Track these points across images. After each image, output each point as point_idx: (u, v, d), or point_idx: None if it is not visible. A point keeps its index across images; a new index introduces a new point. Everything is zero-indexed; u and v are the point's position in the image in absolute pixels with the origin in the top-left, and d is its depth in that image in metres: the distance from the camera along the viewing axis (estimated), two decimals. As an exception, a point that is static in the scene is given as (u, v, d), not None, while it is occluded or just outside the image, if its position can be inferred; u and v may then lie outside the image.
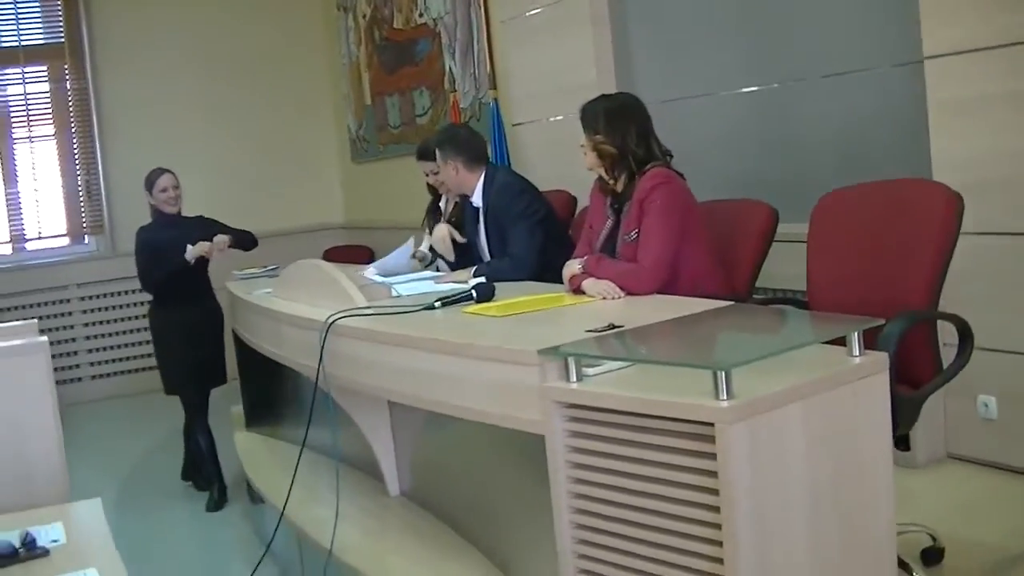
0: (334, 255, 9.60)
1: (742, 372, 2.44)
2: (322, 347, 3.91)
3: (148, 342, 6.06)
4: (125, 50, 9.71)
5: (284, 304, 4.72)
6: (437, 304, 3.90)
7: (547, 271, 4.61)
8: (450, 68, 7.84)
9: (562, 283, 4.27)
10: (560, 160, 6.04)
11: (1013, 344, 4.12)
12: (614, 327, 3.12)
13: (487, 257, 5.07)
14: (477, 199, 5.12)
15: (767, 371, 2.53)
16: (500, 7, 7.07)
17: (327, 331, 3.89)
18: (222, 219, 6.61)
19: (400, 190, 9.00)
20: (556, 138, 6.36)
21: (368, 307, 4.01)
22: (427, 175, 5.86)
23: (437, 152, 5.24)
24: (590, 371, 2.82)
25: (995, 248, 4.15)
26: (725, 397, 2.40)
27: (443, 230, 5.36)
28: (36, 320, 4.81)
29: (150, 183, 6.39)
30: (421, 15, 8.31)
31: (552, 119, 6.45)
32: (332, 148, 10.56)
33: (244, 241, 6.59)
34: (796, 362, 2.66)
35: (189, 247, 6.21)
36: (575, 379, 2.80)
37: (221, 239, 6.31)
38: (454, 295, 3.98)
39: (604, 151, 4.03)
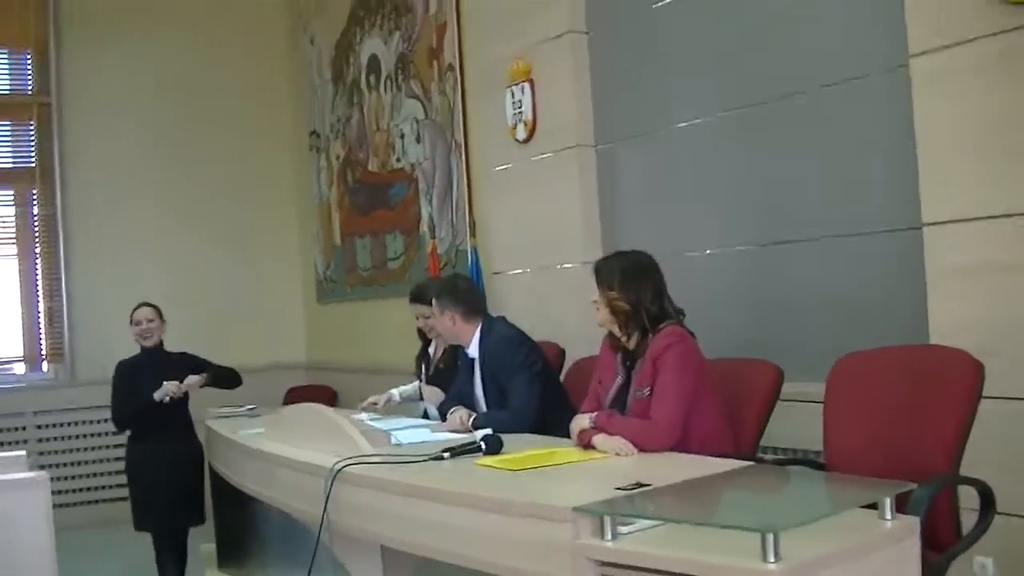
0: (296, 395, 9.53)
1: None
2: (328, 494, 3.86)
3: (108, 473, 5.97)
4: (96, 180, 9.73)
5: (279, 447, 4.66)
6: (445, 455, 3.88)
7: (546, 424, 4.61)
8: (428, 214, 7.88)
9: (561, 436, 4.27)
10: (543, 311, 6.07)
11: (1010, 506, 4.13)
12: (641, 485, 3.11)
13: (482, 407, 5.04)
14: (473, 350, 5.12)
15: (801, 533, 2.52)
16: (482, 156, 7.14)
17: (334, 478, 3.84)
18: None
19: (367, 332, 9.00)
20: (539, 289, 6.39)
21: (375, 455, 3.97)
22: (418, 318, 5.86)
23: (435, 302, 5.25)
24: (623, 529, 2.81)
25: (992, 412, 4.19)
26: (774, 560, 2.40)
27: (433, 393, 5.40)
28: (23, 453, 4.75)
29: (130, 315, 6.40)
30: (398, 159, 8.38)
31: (534, 269, 6.47)
32: (297, 287, 10.54)
33: (225, 380, 6.57)
34: (827, 524, 2.66)
35: (165, 384, 6.17)
36: (610, 537, 2.77)
37: (191, 381, 6.31)
38: (462, 446, 3.96)
39: (618, 308, 4.06)
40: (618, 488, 3.08)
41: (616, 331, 4.14)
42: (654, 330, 4.01)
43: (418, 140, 8.06)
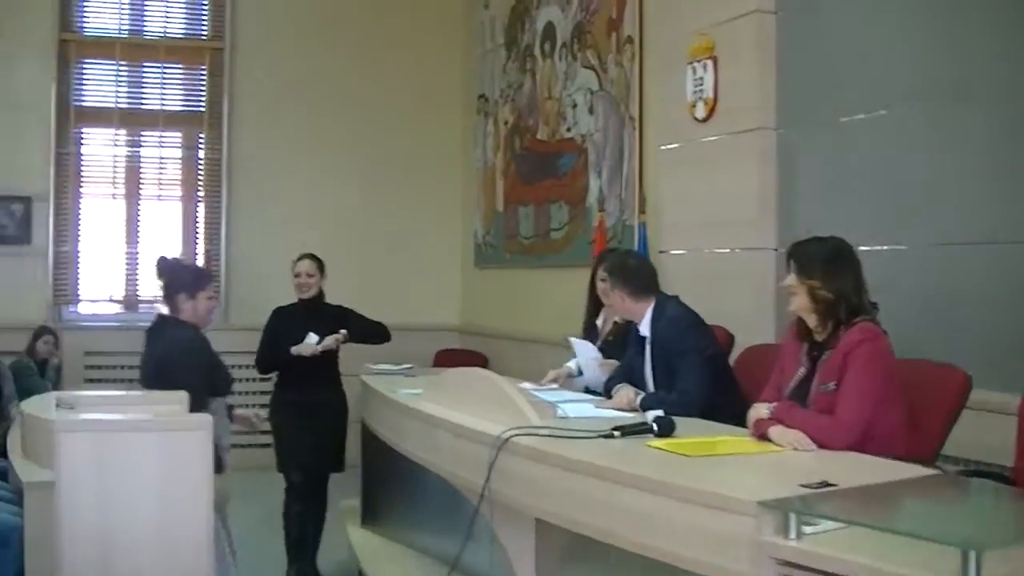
0: (446, 358, 9.54)
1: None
2: (492, 463, 3.79)
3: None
4: (263, 128, 9.90)
5: (441, 410, 4.60)
6: (616, 433, 3.79)
7: (714, 410, 4.48)
8: (596, 187, 7.78)
9: (729, 423, 4.18)
10: (710, 294, 5.90)
11: None
12: (827, 484, 2.98)
13: (649, 387, 4.93)
14: (645, 328, 4.99)
15: (996, 554, 2.37)
16: (656, 131, 7.01)
17: (501, 447, 3.77)
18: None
19: (523, 301, 8.94)
20: (706, 271, 6.24)
21: (544, 427, 3.89)
22: (602, 280, 5.50)
23: (607, 276, 5.14)
24: (807, 529, 2.69)
25: None
26: (975, 579, 2.27)
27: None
28: (185, 392, 4.76)
29: (292, 265, 6.41)
30: (569, 129, 8.29)
31: (704, 251, 6.33)
32: (456, 250, 10.58)
33: (372, 335, 6.56)
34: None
35: (310, 337, 6.19)
36: (795, 536, 2.66)
37: (328, 341, 6.34)
38: (633, 425, 3.86)
39: (820, 296, 3.89)
40: (803, 485, 2.96)
41: (812, 321, 3.96)
42: (848, 323, 3.85)
43: (590, 111, 7.96)
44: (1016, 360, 4.36)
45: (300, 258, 6.55)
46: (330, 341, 6.35)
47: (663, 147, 6.74)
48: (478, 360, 9.33)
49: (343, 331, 6.42)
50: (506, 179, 9.46)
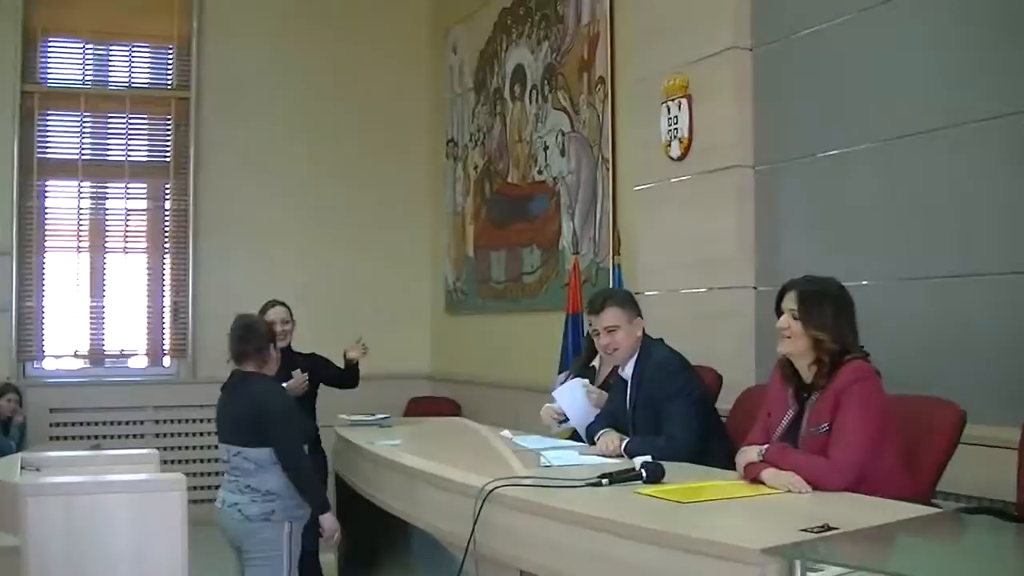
0: (418, 406, 9.42)
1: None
2: (477, 515, 3.67)
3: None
4: (230, 177, 9.81)
5: (421, 462, 4.48)
6: (604, 481, 3.68)
7: (702, 454, 4.39)
8: (569, 229, 7.69)
9: (716, 467, 4.11)
10: (688, 334, 5.77)
11: None
12: (829, 528, 2.87)
13: (629, 431, 4.80)
14: (628, 370, 4.89)
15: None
16: (630, 172, 6.93)
17: (485, 499, 3.65)
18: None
19: (496, 346, 8.84)
20: (684, 311, 6.15)
21: (529, 476, 3.78)
22: (601, 332, 5.13)
23: (620, 310, 4.94)
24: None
25: None
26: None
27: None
28: (157, 451, 4.65)
29: (262, 313, 6.25)
30: (540, 172, 8.21)
31: (681, 291, 6.23)
32: (426, 296, 10.44)
33: (346, 379, 6.44)
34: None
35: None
36: (800, 584, 2.56)
37: (292, 385, 6.13)
38: (620, 472, 3.76)
39: (825, 347, 3.79)
40: (803, 530, 2.85)
41: (804, 364, 3.86)
42: (839, 363, 3.75)
43: (562, 153, 7.88)
44: (1008, 392, 4.26)
45: (272, 305, 6.39)
46: (292, 386, 6.10)
47: (637, 187, 6.65)
48: (451, 407, 9.21)
49: (302, 373, 6.23)
50: (477, 223, 9.35)
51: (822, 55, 5.54)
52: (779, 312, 3.92)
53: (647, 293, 6.38)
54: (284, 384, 6.04)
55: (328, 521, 5.07)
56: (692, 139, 6.16)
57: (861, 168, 5.29)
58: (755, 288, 5.83)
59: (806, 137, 5.62)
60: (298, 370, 6.23)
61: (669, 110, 6.30)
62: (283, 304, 6.42)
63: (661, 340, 4.96)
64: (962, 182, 4.76)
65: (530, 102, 8.42)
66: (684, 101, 6.20)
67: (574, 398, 5.33)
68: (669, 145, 6.29)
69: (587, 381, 5.42)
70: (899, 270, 5.05)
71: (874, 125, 5.22)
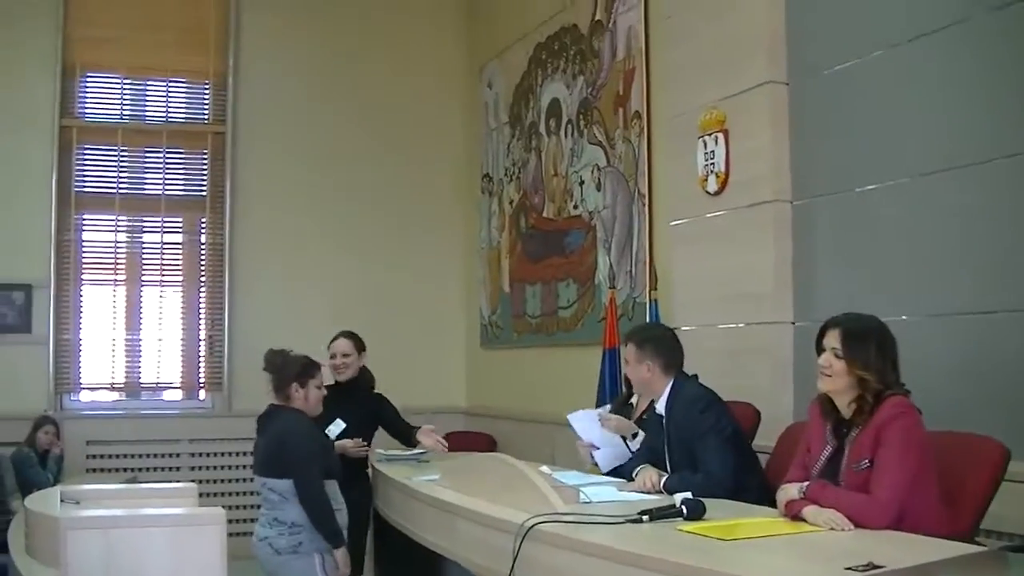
0: (453, 441, 9.34)
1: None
2: (516, 552, 3.66)
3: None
4: (266, 211, 9.87)
5: (460, 497, 4.47)
6: (644, 518, 3.66)
7: (739, 490, 4.37)
8: (605, 263, 7.68)
9: (755, 503, 4.12)
10: (725, 370, 5.78)
11: None
12: (875, 567, 2.84)
13: (667, 467, 4.79)
14: (661, 406, 4.90)
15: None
16: (666, 206, 6.92)
17: (525, 535, 3.64)
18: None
19: (531, 381, 8.82)
20: (721, 346, 6.12)
21: (569, 513, 3.76)
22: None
23: (634, 347, 5.00)
24: (857, 619, 2.57)
25: None
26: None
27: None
28: (194, 484, 4.65)
29: (328, 345, 6.26)
30: (576, 206, 8.21)
31: (719, 326, 6.21)
32: (460, 331, 10.45)
33: (400, 435, 6.40)
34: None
35: (336, 424, 6.00)
36: (848, 624, 2.53)
37: (349, 445, 6.08)
38: (661, 509, 3.74)
39: (870, 387, 3.77)
40: (848, 568, 2.83)
41: (845, 401, 3.84)
42: (879, 399, 3.73)
43: (598, 188, 7.88)
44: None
45: (336, 337, 6.38)
46: (348, 445, 6.05)
47: (674, 222, 6.64)
48: (486, 442, 9.20)
49: (363, 443, 6.18)
50: (512, 258, 9.36)
51: (857, 90, 5.52)
52: (820, 350, 3.91)
53: (684, 328, 6.35)
54: (337, 423, 6.01)
55: (341, 556, 5.10)
56: (729, 173, 6.15)
57: (898, 203, 5.26)
58: (793, 323, 5.80)
59: (843, 171, 5.59)
60: (359, 439, 6.17)
61: (706, 145, 6.30)
62: (349, 335, 6.40)
63: (695, 377, 4.96)
64: (1000, 217, 4.72)
65: (566, 136, 8.42)
66: (720, 136, 6.19)
67: (586, 422, 5.39)
68: (706, 180, 6.28)
69: (605, 408, 5.43)
70: (936, 305, 5.00)
71: (910, 160, 5.18)
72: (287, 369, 5.37)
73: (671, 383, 4.90)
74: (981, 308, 4.77)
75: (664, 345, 4.99)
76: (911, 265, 5.17)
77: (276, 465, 5.05)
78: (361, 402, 6.27)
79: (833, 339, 3.85)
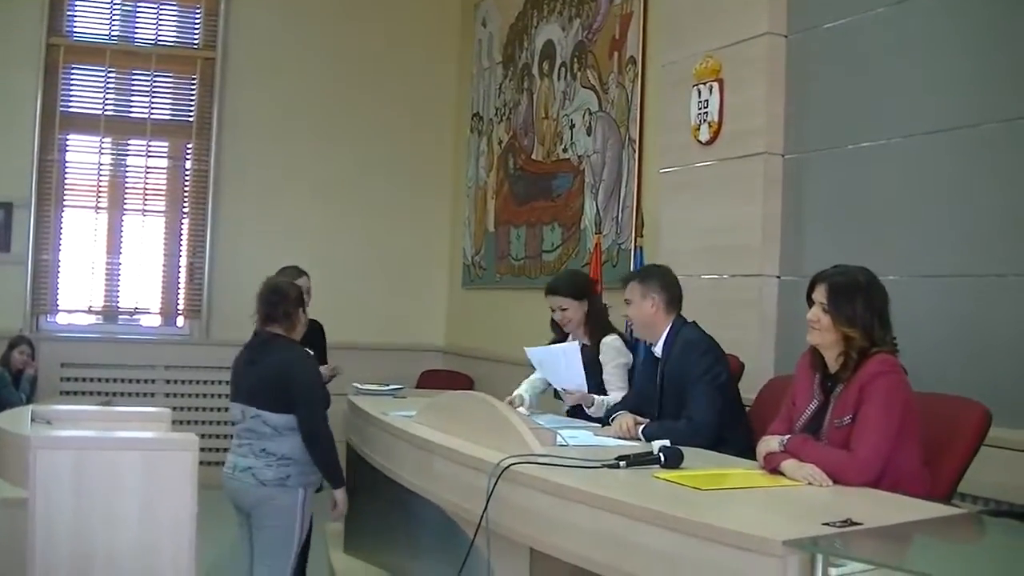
0: (431, 379, 9.37)
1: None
2: (490, 491, 3.62)
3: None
4: (252, 140, 9.79)
5: (436, 435, 4.43)
6: (621, 463, 3.63)
7: (721, 441, 4.35)
8: (592, 209, 7.62)
9: (733, 455, 4.08)
10: (709, 320, 5.70)
11: None
12: (852, 523, 2.81)
13: (656, 414, 4.75)
14: (659, 348, 4.85)
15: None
16: (656, 154, 6.84)
17: (500, 475, 3.60)
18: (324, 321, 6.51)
19: (512, 322, 8.78)
20: (705, 297, 6.05)
21: (545, 455, 3.73)
22: (554, 311, 5.65)
23: (638, 283, 4.95)
24: (833, 571, 2.54)
25: None
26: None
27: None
28: (168, 410, 4.61)
29: (285, 275, 6.18)
30: (565, 150, 8.14)
31: (704, 277, 6.16)
32: (443, 270, 10.41)
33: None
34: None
35: None
36: (820, 577, 2.50)
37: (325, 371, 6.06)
38: (638, 455, 3.71)
39: (851, 338, 3.74)
40: (826, 524, 2.79)
41: (832, 355, 3.80)
42: (866, 355, 3.69)
43: (588, 132, 7.81)
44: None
45: (301, 274, 6.25)
46: (326, 372, 6.02)
47: (663, 170, 6.57)
48: (464, 382, 9.18)
49: (335, 365, 6.21)
50: (499, 199, 9.30)
51: (855, 46, 5.46)
52: (810, 303, 3.86)
53: (667, 276, 6.32)
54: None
55: (341, 496, 5.06)
56: (722, 124, 6.09)
57: (890, 162, 5.22)
58: (778, 277, 5.77)
59: (836, 128, 5.54)
60: (335, 364, 6.24)
61: (700, 93, 6.23)
62: (307, 274, 6.35)
63: (693, 322, 4.92)
64: (992, 179, 4.69)
65: (558, 79, 8.34)
66: (715, 85, 6.12)
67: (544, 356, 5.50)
68: (698, 129, 6.22)
69: (574, 344, 5.40)
70: (925, 267, 4.97)
71: (904, 119, 5.14)
72: (295, 298, 5.22)
73: (671, 325, 4.85)
74: (970, 271, 4.75)
75: (668, 280, 4.97)
76: (901, 225, 5.13)
77: (277, 398, 4.87)
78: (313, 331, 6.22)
79: (820, 294, 3.81)
